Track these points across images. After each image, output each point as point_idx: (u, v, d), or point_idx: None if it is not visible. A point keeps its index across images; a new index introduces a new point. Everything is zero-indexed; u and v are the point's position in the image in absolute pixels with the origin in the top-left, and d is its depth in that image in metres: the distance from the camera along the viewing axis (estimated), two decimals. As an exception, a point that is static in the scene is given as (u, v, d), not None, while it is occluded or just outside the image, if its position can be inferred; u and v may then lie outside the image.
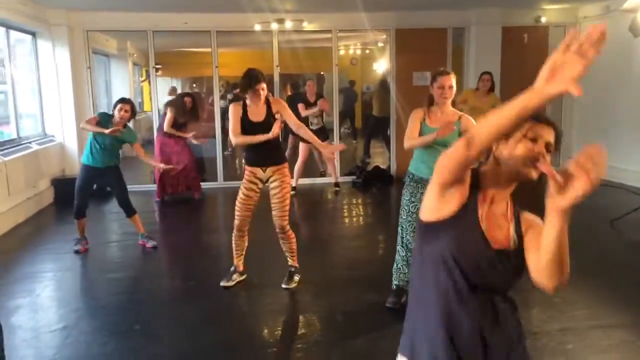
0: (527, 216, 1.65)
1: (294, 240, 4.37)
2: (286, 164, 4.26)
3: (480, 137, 1.36)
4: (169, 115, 7.28)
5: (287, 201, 4.21)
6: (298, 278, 4.40)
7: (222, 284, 4.37)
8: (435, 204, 1.56)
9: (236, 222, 4.27)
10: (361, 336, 3.57)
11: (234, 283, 4.39)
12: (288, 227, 4.26)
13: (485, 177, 1.61)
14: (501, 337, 1.61)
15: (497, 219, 1.60)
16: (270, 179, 4.19)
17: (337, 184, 8.21)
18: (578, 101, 9.02)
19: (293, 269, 4.41)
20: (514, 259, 1.58)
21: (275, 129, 4.03)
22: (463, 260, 1.54)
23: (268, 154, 4.17)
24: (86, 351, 3.44)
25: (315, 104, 7.62)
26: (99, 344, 3.52)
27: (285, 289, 4.32)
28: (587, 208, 7.41)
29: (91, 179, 5.34)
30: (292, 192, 7.78)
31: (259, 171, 4.18)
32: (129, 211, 5.44)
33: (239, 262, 4.43)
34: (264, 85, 4.04)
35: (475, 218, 1.57)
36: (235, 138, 4.09)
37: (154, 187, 7.81)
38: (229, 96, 10.91)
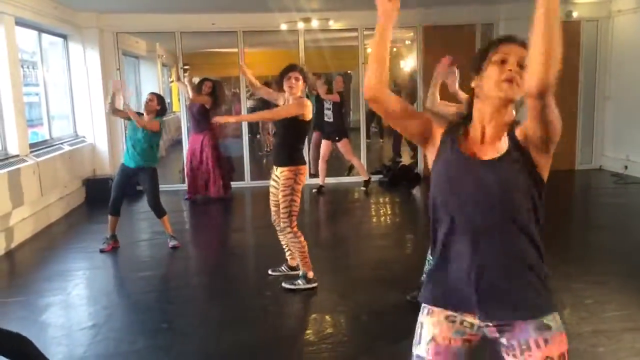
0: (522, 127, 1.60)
1: (296, 244, 4.21)
2: (292, 168, 4.10)
3: (368, 70, 1.65)
4: (183, 86, 7.63)
5: (286, 204, 4.09)
6: (302, 283, 4.28)
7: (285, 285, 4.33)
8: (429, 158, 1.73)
9: (295, 223, 4.22)
10: (387, 336, 3.54)
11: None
12: (288, 229, 4.16)
13: (475, 117, 1.65)
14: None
15: (485, 145, 1.63)
16: (278, 179, 4.21)
17: (366, 182, 8.11)
18: (610, 98, 8.80)
19: (292, 271, 4.47)
20: (501, 168, 1.56)
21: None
22: (444, 183, 1.63)
23: (274, 153, 4.28)
24: (115, 349, 3.49)
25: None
26: (127, 342, 3.57)
27: (287, 289, 4.29)
28: (621, 207, 7.29)
29: (124, 176, 5.44)
30: (315, 191, 7.82)
31: (274, 169, 4.25)
32: (158, 213, 5.51)
33: (288, 258, 4.54)
34: (297, 74, 4.02)
35: (453, 148, 1.63)
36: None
37: (183, 186, 7.91)
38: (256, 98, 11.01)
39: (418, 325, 1.74)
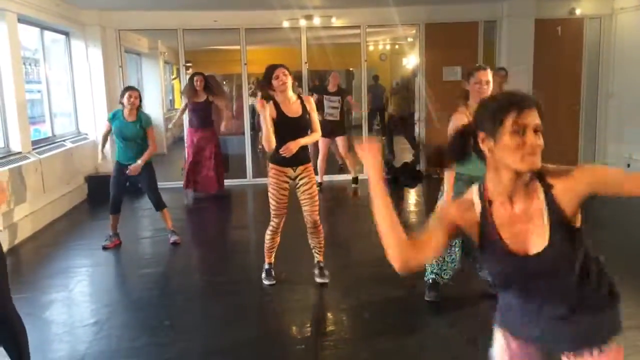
0: (563, 190, 1.57)
1: (323, 235, 4.36)
2: (311, 162, 4.31)
3: (385, 242, 1.69)
4: (182, 104, 7.43)
5: (317, 196, 4.24)
6: (328, 273, 4.39)
7: (266, 283, 4.38)
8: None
9: (276, 221, 4.24)
10: (388, 333, 3.54)
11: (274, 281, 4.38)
12: (319, 222, 4.27)
13: (491, 188, 1.62)
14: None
15: (521, 219, 1.59)
16: (299, 177, 4.19)
17: (355, 180, 8.16)
18: (613, 95, 8.78)
19: (322, 264, 4.39)
20: (549, 257, 1.57)
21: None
22: (504, 281, 1.68)
23: (300, 153, 4.14)
24: (117, 346, 3.50)
25: (335, 94, 7.74)
26: (129, 339, 3.58)
27: (322, 283, 4.31)
28: (624, 205, 7.25)
29: (121, 174, 5.42)
30: (318, 189, 7.81)
31: (289, 171, 4.17)
32: (157, 205, 5.50)
33: (272, 257, 4.44)
34: (284, 70, 4.01)
35: (496, 239, 1.61)
36: (267, 143, 4.00)
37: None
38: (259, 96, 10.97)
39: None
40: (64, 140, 7.43)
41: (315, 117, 4.21)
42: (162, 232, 5.73)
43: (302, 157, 4.18)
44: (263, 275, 4.42)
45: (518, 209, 1.59)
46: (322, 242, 4.37)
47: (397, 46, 14.04)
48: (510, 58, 8.36)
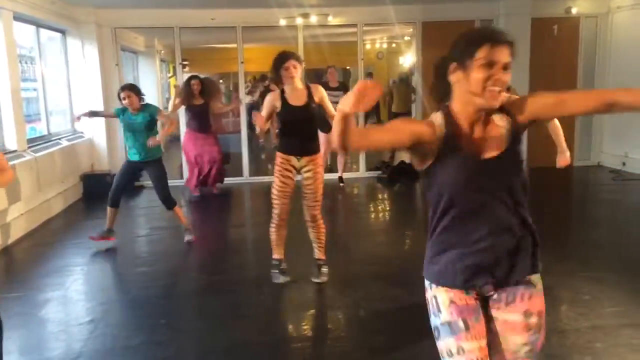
0: (516, 104, 1.69)
1: (324, 231, 4.32)
2: (320, 154, 4.21)
3: (335, 139, 1.57)
4: (173, 101, 7.38)
5: (320, 191, 4.17)
6: (327, 271, 4.36)
7: (274, 280, 4.32)
8: (415, 161, 1.76)
9: (276, 211, 4.19)
10: (385, 332, 3.55)
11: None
12: (320, 216, 4.23)
13: (458, 111, 1.68)
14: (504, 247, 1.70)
15: (482, 129, 1.68)
16: (304, 169, 4.13)
17: (341, 179, 8.16)
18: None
19: (321, 262, 4.36)
20: (507, 159, 1.66)
21: (258, 121, 4.01)
22: (456, 190, 1.67)
23: (304, 143, 4.10)
24: (112, 344, 3.49)
25: (337, 89, 7.70)
26: (125, 338, 3.57)
27: (318, 283, 4.30)
28: (619, 203, 7.29)
29: (129, 169, 5.40)
30: (342, 184, 7.87)
31: (293, 159, 4.11)
32: (169, 205, 5.44)
33: (281, 252, 4.33)
34: (295, 62, 3.95)
35: (457, 148, 1.66)
36: (258, 127, 4.11)
37: (181, 182, 7.94)
38: (260, 88, 10.92)
39: (431, 298, 1.81)
40: (59, 139, 7.42)
41: (328, 104, 4.13)
42: (158, 231, 5.73)
43: (308, 148, 4.12)
44: (274, 271, 4.33)
45: (478, 130, 1.68)
46: (323, 238, 4.33)
47: (394, 45, 14.03)
48: (507, 57, 8.36)
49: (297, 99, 4.03)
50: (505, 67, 1.59)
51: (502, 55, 1.58)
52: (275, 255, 4.34)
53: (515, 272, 1.72)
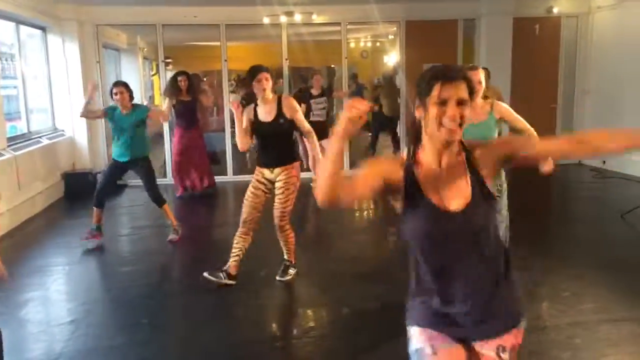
0: (481, 155, 1.71)
1: (292, 239, 4.32)
2: (295, 164, 4.21)
3: (321, 189, 1.54)
4: (166, 104, 7.28)
5: (289, 203, 4.16)
6: (294, 272, 4.37)
7: (206, 275, 4.19)
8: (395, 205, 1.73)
9: (242, 216, 4.23)
10: (367, 330, 3.56)
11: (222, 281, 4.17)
12: (287, 227, 4.23)
13: (424, 152, 1.70)
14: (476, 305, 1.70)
15: (449, 181, 1.68)
16: (277, 178, 4.17)
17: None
18: (590, 93, 8.92)
19: (288, 263, 4.38)
20: (475, 211, 1.65)
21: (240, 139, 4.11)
22: (425, 243, 1.68)
23: (274, 155, 4.15)
24: (94, 344, 3.46)
25: (320, 95, 7.70)
26: (106, 338, 3.55)
27: (279, 281, 4.31)
28: (599, 201, 7.37)
29: (116, 169, 5.38)
30: (313, 185, 7.81)
31: (266, 171, 4.17)
32: (159, 202, 5.44)
33: (232, 264, 4.21)
34: (267, 75, 4.06)
35: (422, 198, 1.66)
36: (239, 144, 4.18)
37: (164, 180, 7.88)
38: (241, 93, 10.86)
39: (409, 337, 1.81)
40: (40, 137, 7.32)
41: (300, 118, 4.17)
42: (140, 230, 5.69)
43: (280, 159, 4.16)
44: (221, 274, 4.21)
45: (444, 171, 1.68)
46: (289, 244, 4.32)
47: (378, 43, 14.05)
48: (489, 56, 8.44)
49: (267, 114, 4.10)
50: (461, 103, 1.61)
51: (455, 91, 1.60)
52: (229, 264, 4.24)
53: (489, 331, 1.73)
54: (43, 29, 7.76)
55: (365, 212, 7.14)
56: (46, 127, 7.87)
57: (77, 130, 8.10)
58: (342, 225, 6.34)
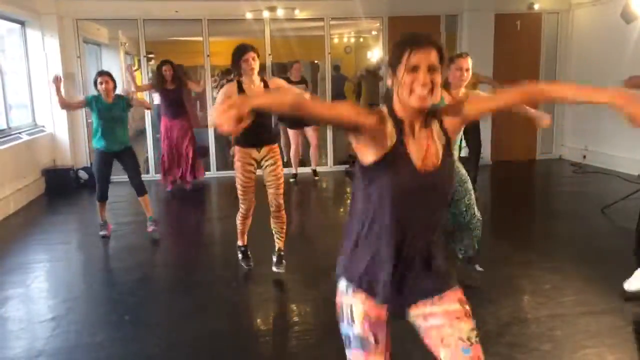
0: (450, 120, 1.78)
1: (286, 221, 4.34)
2: (277, 145, 4.28)
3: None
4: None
5: (282, 179, 4.23)
6: (285, 263, 4.38)
7: (243, 264, 4.47)
8: (358, 151, 1.72)
9: (243, 207, 4.22)
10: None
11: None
12: (283, 206, 4.26)
13: (400, 112, 1.71)
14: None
15: (424, 142, 1.72)
16: (265, 158, 4.15)
17: (315, 172, 8.18)
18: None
19: (282, 252, 4.37)
20: (441, 174, 1.72)
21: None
22: (398, 196, 1.68)
23: (262, 134, 4.11)
24: (76, 342, 3.43)
25: (299, 83, 7.65)
26: (88, 335, 3.52)
27: (277, 272, 4.30)
28: (579, 195, 7.44)
29: (107, 164, 5.34)
30: (293, 180, 7.81)
31: (253, 151, 4.13)
32: (140, 190, 5.45)
33: (244, 239, 4.48)
34: (254, 55, 3.95)
35: (405, 156, 1.68)
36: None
37: (147, 176, 7.80)
38: (223, 82, 10.79)
39: (346, 306, 1.92)
40: (20, 133, 7.22)
41: (287, 84, 4.30)
42: (122, 226, 5.64)
43: (266, 138, 4.15)
44: (239, 257, 4.48)
45: (419, 133, 1.72)
46: (284, 228, 4.34)
47: (361, 39, 14.06)
48: (471, 51, 8.42)
49: (254, 93, 4.00)
50: (432, 69, 1.62)
51: (426, 58, 1.62)
52: (240, 242, 4.47)
53: (427, 292, 1.79)
54: (22, 23, 7.64)
55: (349, 207, 7.15)
56: (26, 123, 7.76)
57: (57, 126, 8.00)
58: (326, 220, 6.35)
